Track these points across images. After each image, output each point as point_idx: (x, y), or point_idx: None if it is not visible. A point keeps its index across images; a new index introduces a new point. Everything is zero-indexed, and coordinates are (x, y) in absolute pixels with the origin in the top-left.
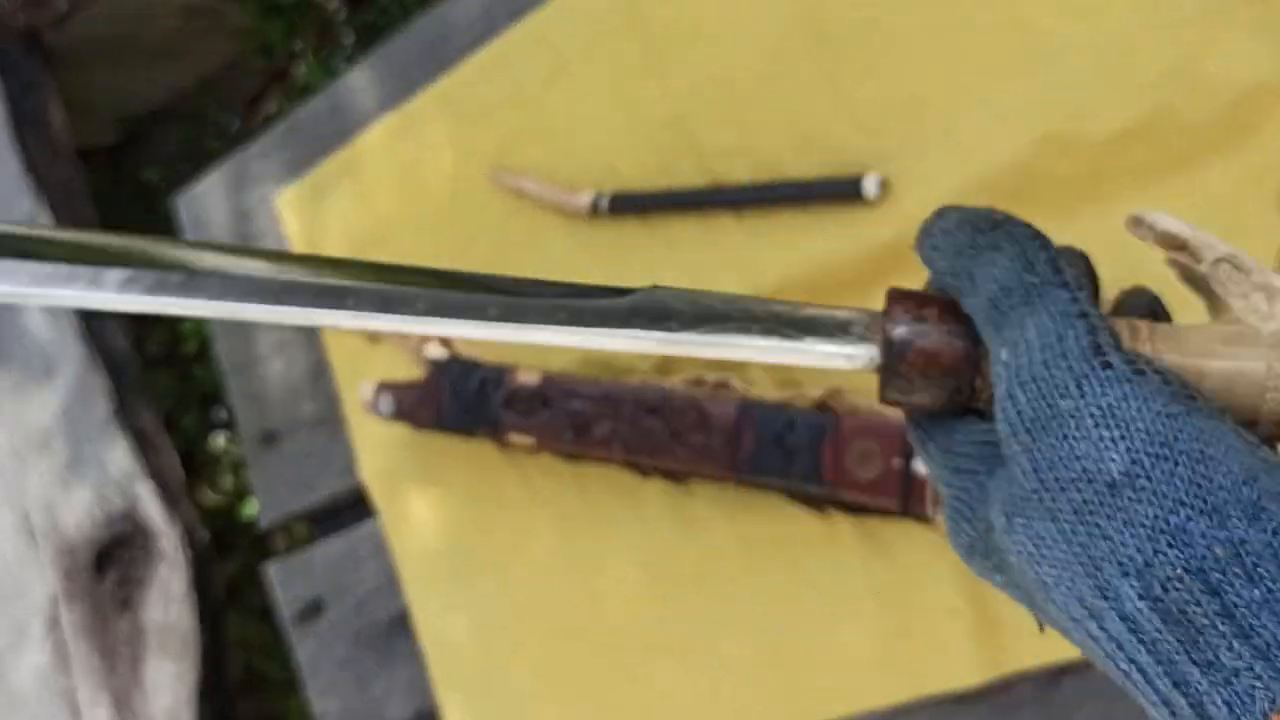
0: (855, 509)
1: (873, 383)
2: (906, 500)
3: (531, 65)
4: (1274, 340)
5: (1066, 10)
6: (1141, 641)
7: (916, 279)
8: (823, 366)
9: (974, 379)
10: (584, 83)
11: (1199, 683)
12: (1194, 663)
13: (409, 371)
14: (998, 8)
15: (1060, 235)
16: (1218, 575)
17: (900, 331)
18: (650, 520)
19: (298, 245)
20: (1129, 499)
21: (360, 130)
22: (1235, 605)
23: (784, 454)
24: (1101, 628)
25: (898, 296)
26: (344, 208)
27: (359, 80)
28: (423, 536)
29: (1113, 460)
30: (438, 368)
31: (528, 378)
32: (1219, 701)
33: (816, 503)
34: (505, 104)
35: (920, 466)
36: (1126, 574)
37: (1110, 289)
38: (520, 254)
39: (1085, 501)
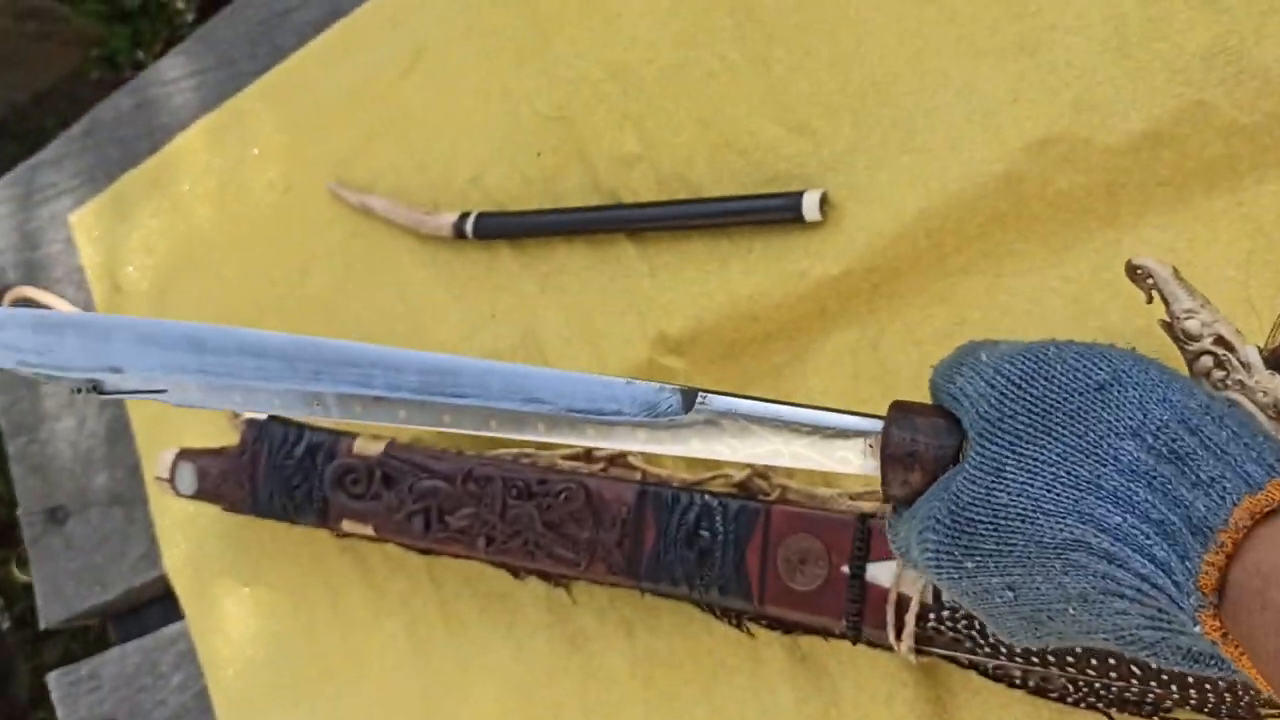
0: (789, 627)
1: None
2: (859, 619)
3: (384, 51)
4: None
5: None
6: (1140, 481)
7: (866, 325)
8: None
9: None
10: (448, 74)
11: (1187, 496)
12: (1184, 483)
13: (229, 437)
14: None
15: (1059, 269)
16: (1194, 421)
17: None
18: (525, 634)
19: (94, 274)
20: (1116, 392)
21: (174, 132)
22: (1209, 439)
23: (697, 555)
24: (1097, 500)
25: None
26: (151, 227)
27: (172, 70)
28: (239, 645)
29: (1100, 371)
30: (254, 430)
31: (368, 448)
32: (1201, 506)
33: (739, 616)
34: (351, 101)
35: (879, 574)
36: (1122, 436)
37: (1131, 331)
38: (366, 285)
39: (1078, 407)
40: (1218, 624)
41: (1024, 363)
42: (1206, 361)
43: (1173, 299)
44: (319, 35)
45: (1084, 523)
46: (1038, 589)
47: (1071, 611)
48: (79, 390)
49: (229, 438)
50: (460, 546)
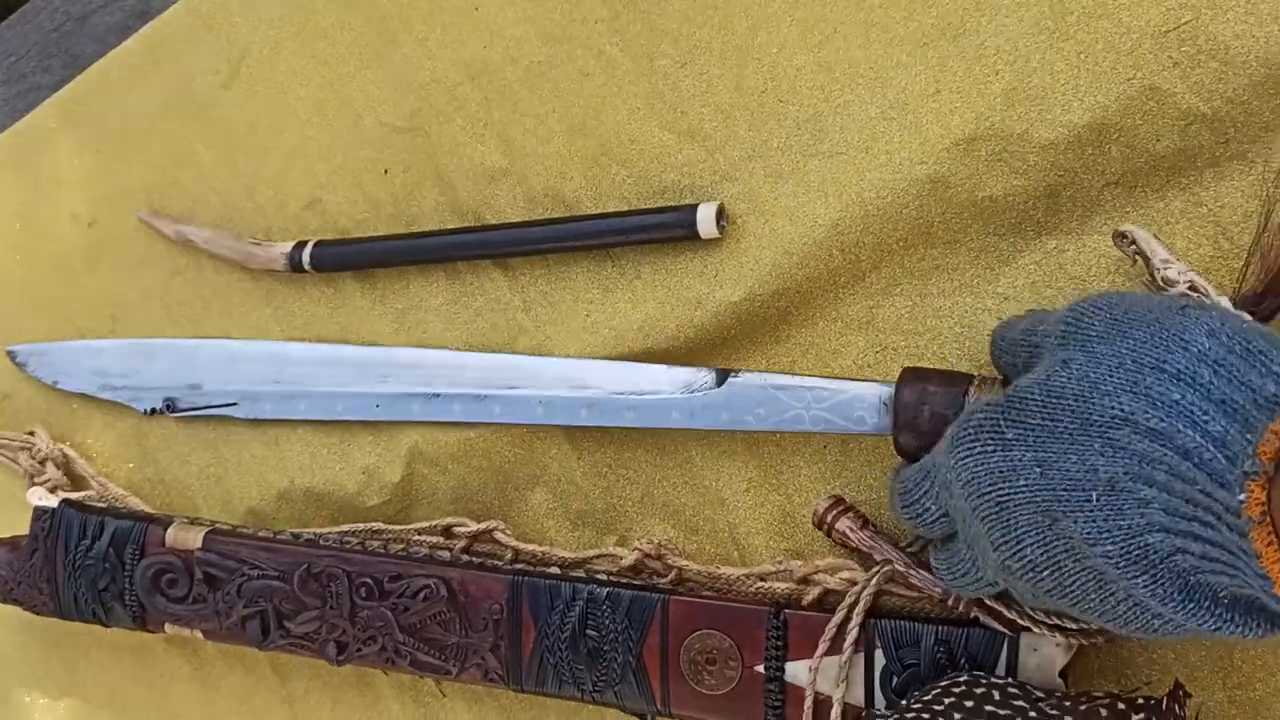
0: None
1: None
2: None
3: (202, 58)
4: None
5: None
6: (1207, 365)
7: (774, 357)
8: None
9: None
10: (276, 81)
11: (1257, 381)
12: (1253, 371)
13: (25, 513)
14: None
15: (995, 286)
16: (1263, 331)
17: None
18: None
19: None
20: (1195, 310)
21: None
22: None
23: (586, 657)
24: (1158, 379)
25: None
26: None
27: None
28: None
29: (1180, 301)
30: (45, 521)
31: (182, 539)
32: (1273, 387)
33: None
34: (165, 115)
35: (800, 673)
36: (1195, 333)
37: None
38: (190, 332)
39: (1156, 316)
40: (1263, 498)
41: (1105, 297)
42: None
43: (1152, 254)
44: (123, 41)
45: (1138, 399)
46: (1067, 470)
47: (1091, 504)
48: (153, 410)
49: (23, 521)
50: (308, 653)
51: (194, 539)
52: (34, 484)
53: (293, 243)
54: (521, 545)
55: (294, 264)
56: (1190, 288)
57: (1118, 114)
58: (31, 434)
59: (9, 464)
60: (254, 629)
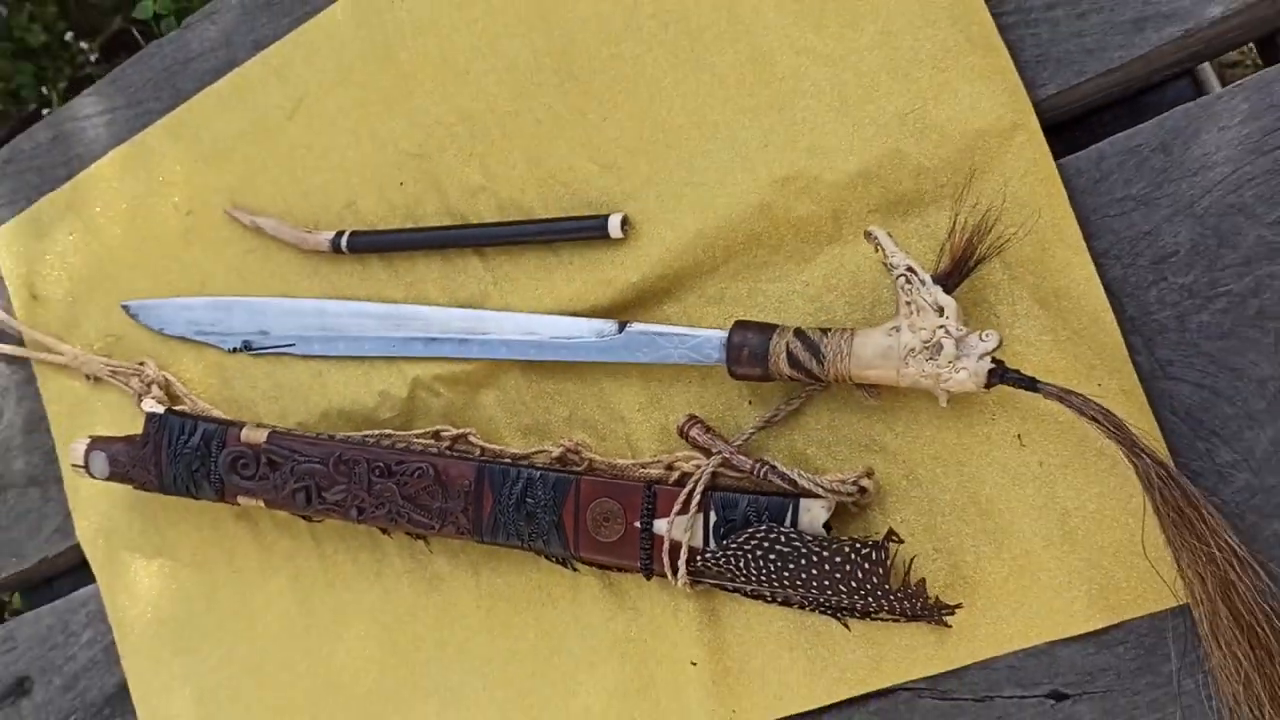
0: (600, 567)
1: (614, 438)
2: (649, 562)
3: (272, 97)
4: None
5: (809, 50)
6: None
7: (662, 315)
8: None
9: None
10: (326, 116)
11: None
12: None
13: (134, 422)
14: (742, 46)
15: (801, 276)
16: None
17: None
18: (391, 579)
19: (14, 286)
20: None
21: (88, 162)
22: None
23: (525, 517)
24: None
25: None
26: (66, 244)
27: (87, 108)
28: (145, 603)
29: None
30: (155, 423)
31: (253, 436)
32: None
33: (562, 559)
34: (244, 136)
35: (661, 527)
36: None
37: (852, 321)
38: (259, 292)
39: None
40: None
41: None
42: (902, 280)
43: (887, 247)
44: (216, 81)
45: None
46: None
47: None
48: (235, 349)
49: (134, 426)
50: (337, 516)
51: (260, 437)
52: (143, 400)
53: (334, 232)
54: (485, 444)
55: (335, 247)
56: (908, 269)
57: (876, 165)
58: (142, 364)
59: (123, 387)
60: (301, 498)
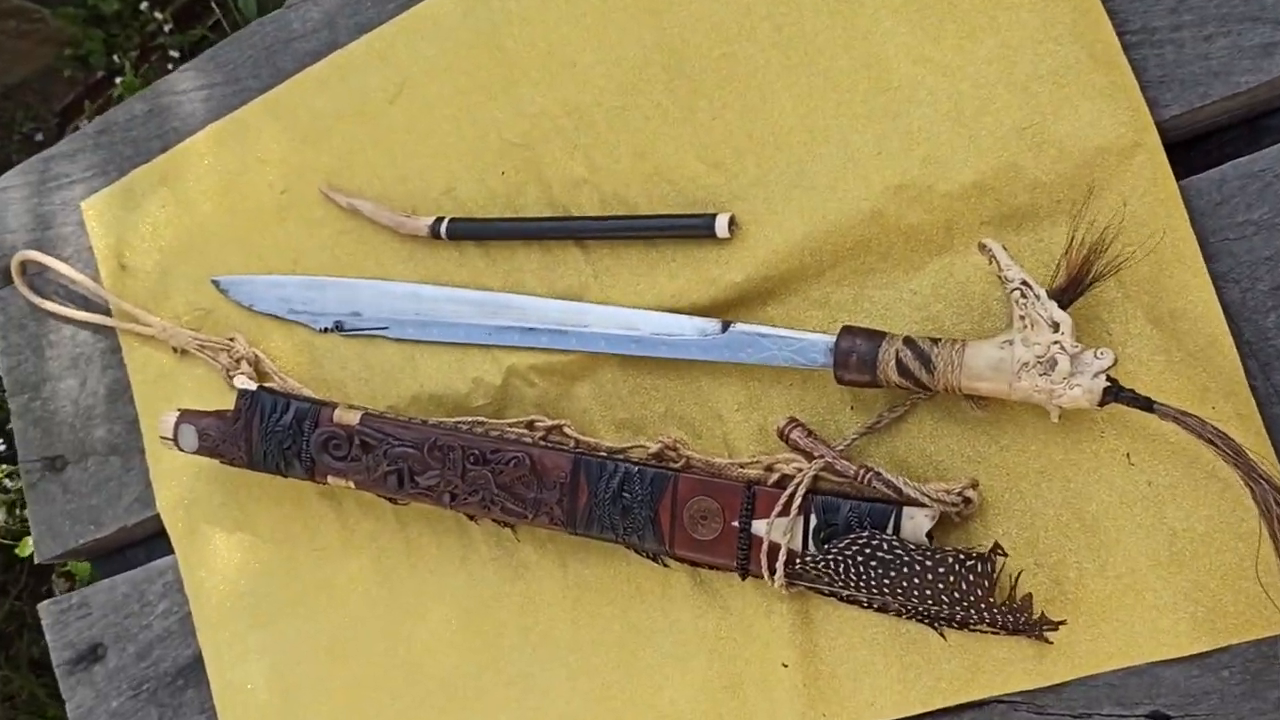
0: (693, 564)
1: (711, 437)
2: (746, 562)
3: (374, 80)
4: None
5: (926, 60)
6: None
7: (764, 316)
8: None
9: None
10: (428, 101)
11: None
12: None
13: (219, 396)
14: (857, 52)
15: (909, 284)
16: None
17: None
18: (476, 565)
19: (103, 255)
20: None
21: (183, 136)
22: None
23: (620, 511)
24: None
25: None
26: (158, 216)
27: (184, 83)
28: (223, 576)
29: None
30: (247, 399)
31: (346, 417)
32: None
33: (654, 553)
34: (344, 118)
35: (760, 528)
36: None
37: (959, 331)
38: (352, 273)
39: None
40: None
41: None
42: (1016, 294)
43: (1002, 260)
44: (317, 62)
45: None
46: None
47: None
48: (326, 329)
49: (219, 400)
50: (428, 501)
51: (354, 418)
52: (232, 376)
53: (433, 218)
54: (580, 436)
55: (434, 233)
56: (1023, 283)
57: (991, 177)
58: (231, 340)
59: (210, 361)
60: (393, 481)
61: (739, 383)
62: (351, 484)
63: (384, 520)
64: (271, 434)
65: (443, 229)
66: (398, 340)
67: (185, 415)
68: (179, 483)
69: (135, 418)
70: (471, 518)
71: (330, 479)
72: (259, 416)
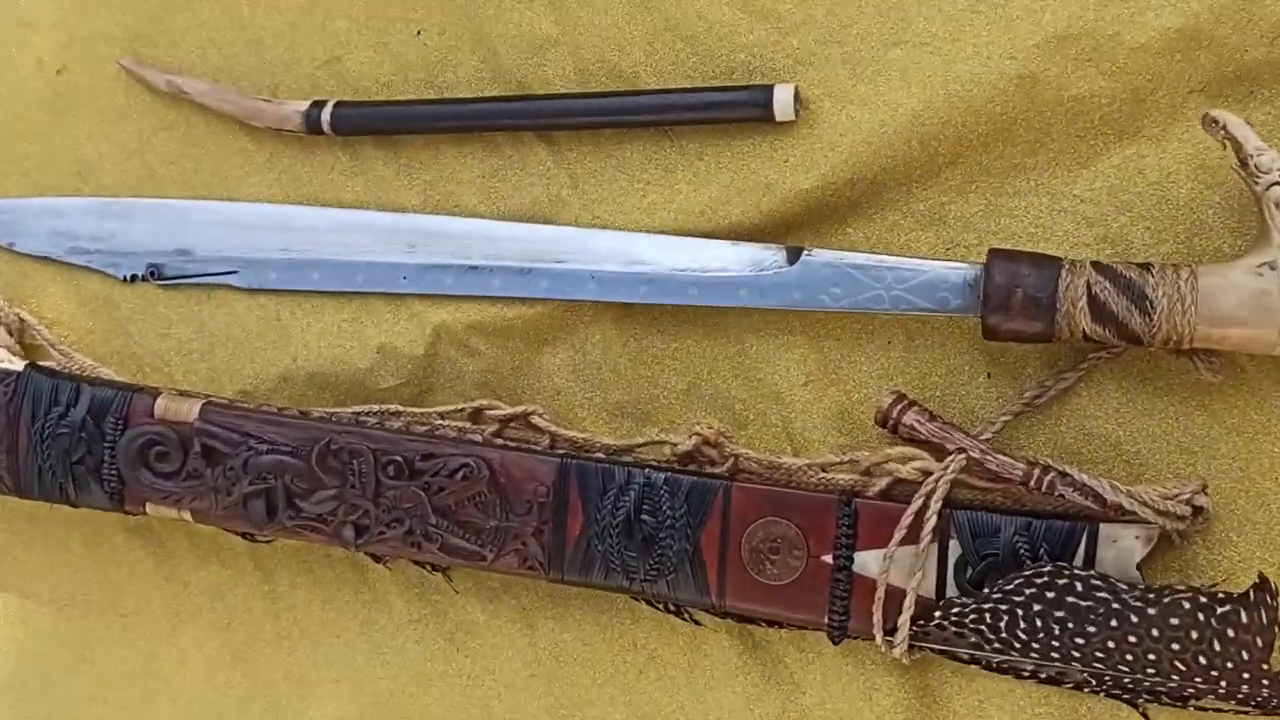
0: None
1: (763, 425)
2: (843, 617)
3: None
4: None
5: None
6: None
7: (844, 241)
8: None
9: None
10: None
11: None
12: None
13: None
14: None
15: (1073, 188)
16: None
17: None
18: (387, 633)
19: None
20: None
21: None
22: None
23: (639, 544)
24: None
25: None
26: None
27: None
28: None
29: None
30: (8, 386)
31: (175, 409)
32: None
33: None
34: None
35: (870, 563)
36: None
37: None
38: (177, 192)
39: None
40: None
41: None
42: (1276, 191)
43: (1245, 140)
44: None
45: None
46: None
47: None
48: (134, 277)
49: None
50: (320, 536)
51: (189, 410)
52: None
53: (308, 102)
54: (560, 430)
55: (310, 124)
56: None
57: (1210, 22)
58: None
59: None
60: (258, 508)
61: (805, 344)
62: (186, 514)
63: (236, 567)
64: (52, 438)
65: (324, 117)
66: (252, 291)
67: None
68: None
69: None
70: (379, 559)
71: (150, 507)
72: (29, 412)
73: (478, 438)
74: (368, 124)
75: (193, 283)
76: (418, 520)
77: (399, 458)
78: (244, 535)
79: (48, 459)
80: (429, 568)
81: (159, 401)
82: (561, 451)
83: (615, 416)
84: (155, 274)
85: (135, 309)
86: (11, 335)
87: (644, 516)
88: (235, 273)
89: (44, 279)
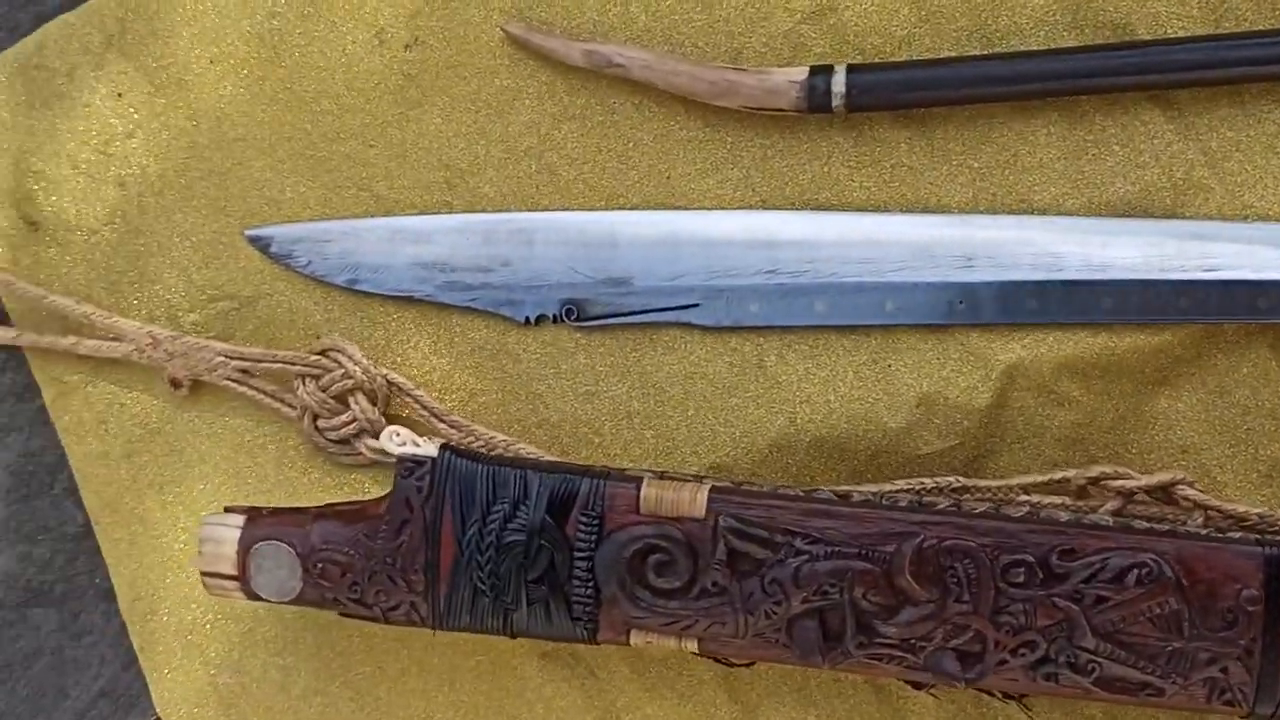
0: None
1: None
2: None
3: None
4: None
5: None
6: None
7: None
8: None
9: None
10: None
11: None
12: None
13: (283, 487)
14: None
15: None
16: None
17: None
18: None
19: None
20: None
21: None
22: None
23: None
24: None
25: None
26: (106, 118)
27: None
28: None
29: None
30: (421, 475)
31: (673, 499)
32: None
33: None
34: None
35: None
36: None
37: None
38: (594, 201)
39: None
40: None
41: None
42: None
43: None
44: None
45: None
46: None
47: None
48: (538, 319)
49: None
50: (900, 668)
51: (689, 499)
52: (381, 433)
53: (804, 69)
54: (1225, 505)
55: (813, 99)
56: None
57: None
58: (323, 353)
59: (266, 401)
60: (809, 633)
61: None
62: (691, 644)
63: (702, 701)
64: (496, 550)
65: (834, 88)
66: (721, 330)
67: (259, 519)
68: (203, 685)
69: (80, 534)
70: (919, 687)
71: (638, 636)
72: (456, 515)
73: (1139, 524)
74: (896, 95)
75: (629, 322)
76: (1061, 643)
77: (1029, 557)
78: (719, 659)
79: (489, 578)
80: (1001, 695)
81: (645, 490)
82: (1261, 539)
83: (1269, 480)
84: (573, 313)
85: (542, 360)
86: (373, 403)
87: None
88: (696, 306)
89: (405, 326)
